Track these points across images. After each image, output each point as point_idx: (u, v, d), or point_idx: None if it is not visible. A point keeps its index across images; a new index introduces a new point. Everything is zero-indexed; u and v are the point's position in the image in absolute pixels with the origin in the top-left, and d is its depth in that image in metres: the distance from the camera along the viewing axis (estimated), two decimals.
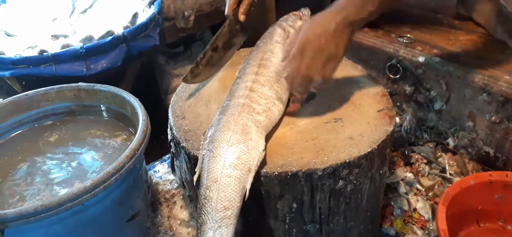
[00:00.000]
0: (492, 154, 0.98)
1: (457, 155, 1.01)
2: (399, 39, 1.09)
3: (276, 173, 0.65)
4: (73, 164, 0.75)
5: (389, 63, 1.09)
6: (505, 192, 0.82)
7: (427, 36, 1.10)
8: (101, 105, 0.86)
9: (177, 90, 0.88)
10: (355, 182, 0.69)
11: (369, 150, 0.68)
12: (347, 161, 0.66)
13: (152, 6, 1.54)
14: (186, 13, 1.66)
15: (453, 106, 1.02)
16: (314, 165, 0.65)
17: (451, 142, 1.04)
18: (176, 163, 0.82)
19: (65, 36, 1.46)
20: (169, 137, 0.79)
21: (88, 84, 0.86)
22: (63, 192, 0.67)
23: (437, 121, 1.06)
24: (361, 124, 0.74)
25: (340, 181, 0.68)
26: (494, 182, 0.82)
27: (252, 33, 1.02)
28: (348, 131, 0.73)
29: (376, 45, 1.10)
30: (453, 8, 1.23)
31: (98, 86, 0.85)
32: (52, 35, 1.44)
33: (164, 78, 1.83)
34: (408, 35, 1.10)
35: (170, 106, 0.83)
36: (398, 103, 1.13)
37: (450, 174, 0.96)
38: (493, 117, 0.94)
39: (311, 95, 0.81)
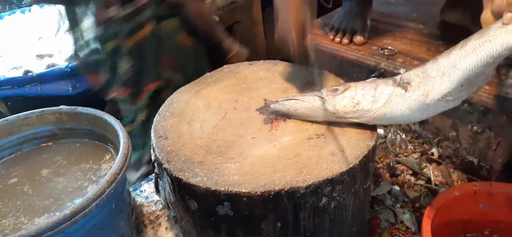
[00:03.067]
0: (476, 163, 0.98)
1: (442, 165, 1.02)
2: (380, 51, 1.10)
3: (258, 193, 0.64)
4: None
5: (371, 76, 1.09)
6: (490, 202, 0.83)
7: (408, 47, 1.11)
8: (84, 128, 0.85)
9: (159, 110, 0.87)
10: (338, 198, 0.69)
11: (351, 166, 0.68)
12: (330, 177, 0.66)
13: None
14: None
15: (436, 117, 1.03)
16: (297, 183, 0.65)
17: (435, 152, 1.05)
18: (160, 183, 0.81)
19: (50, 56, 1.46)
20: (152, 158, 0.79)
21: (70, 107, 0.85)
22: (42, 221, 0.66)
23: (421, 131, 1.07)
24: (343, 139, 0.74)
25: (323, 198, 0.68)
26: (478, 191, 0.82)
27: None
28: (330, 147, 0.73)
29: (358, 58, 1.11)
30: (434, 18, 1.24)
31: (80, 109, 0.84)
32: (37, 55, 1.43)
33: None
34: (390, 47, 1.11)
35: (152, 126, 0.83)
36: None
37: (436, 185, 0.96)
38: (475, 127, 0.95)
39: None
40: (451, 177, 0.99)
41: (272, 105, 0.82)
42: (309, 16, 0.85)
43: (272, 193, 0.65)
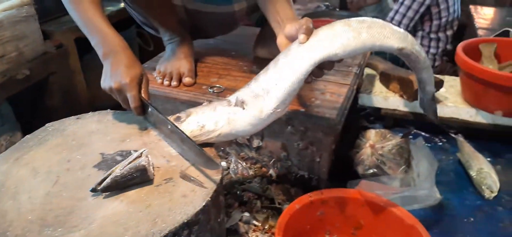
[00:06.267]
0: (307, 176, 1.11)
1: (281, 184, 1.12)
2: (210, 90, 1.15)
3: None
4: None
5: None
6: (324, 208, 0.95)
7: (233, 83, 1.20)
8: None
9: None
10: None
11: (204, 204, 0.69)
12: (185, 221, 0.65)
13: None
14: None
15: (268, 142, 1.13)
16: (153, 235, 0.62)
17: (273, 173, 1.14)
18: None
19: None
20: None
21: None
22: None
23: (257, 157, 1.16)
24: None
25: None
26: (314, 201, 0.93)
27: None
28: (180, 189, 0.72)
29: (192, 98, 1.14)
30: (250, 55, 1.37)
31: None
32: None
33: None
34: (218, 85, 1.17)
35: None
36: (222, 148, 1.19)
37: (279, 203, 1.05)
38: (300, 145, 1.08)
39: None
40: (290, 192, 1.09)
41: (101, 187, 0.71)
42: (143, 70, 0.89)
43: None
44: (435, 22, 2.18)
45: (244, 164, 1.15)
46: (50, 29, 1.69)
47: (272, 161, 1.15)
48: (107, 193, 0.71)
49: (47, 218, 0.66)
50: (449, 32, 2.24)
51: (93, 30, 0.91)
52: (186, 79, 1.19)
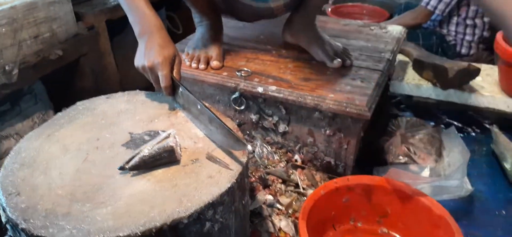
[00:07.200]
0: (333, 162, 1.10)
1: (306, 169, 1.11)
2: (237, 73, 1.15)
3: (138, 234, 0.60)
4: None
5: (233, 97, 1.14)
6: (349, 195, 0.93)
7: (261, 67, 1.19)
8: None
9: (5, 163, 0.75)
10: (221, 219, 0.69)
11: (229, 185, 0.69)
12: (210, 201, 0.66)
13: None
14: (7, 68, 1.45)
15: (294, 127, 1.12)
16: (178, 214, 0.63)
17: (298, 159, 1.13)
18: None
19: None
20: (4, 219, 0.67)
21: None
22: None
23: (283, 141, 1.15)
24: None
25: (207, 223, 0.67)
26: (339, 188, 0.92)
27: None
28: (207, 170, 0.72)
29: (219, 81, 1.14)
30: (279, 39, 1.36)
31: None
32: None
33: None
34: (245, 69, 1.16)
35: None
36: (248, 132, 1.19)
37: (303, 188, 1.04)
38: (328, 131, 1.06)
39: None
40: (315, 178, 1.08)
41: (129, 166, 0.72)
42: (176, 51, 0.90)
43: (154, 231, 0.61)
44: (473, 8, 2.08)
45: (269, 148, 1.14)
46: (82, 11, 1.72)
47: (297, 146, 1.14)
48: (134, 172, 0.72)
49: (76, 193, 0.68)
50: (486, 19, 2.14)
51: (132, 8, 0.93)
52: (214, 63, 1.19)
